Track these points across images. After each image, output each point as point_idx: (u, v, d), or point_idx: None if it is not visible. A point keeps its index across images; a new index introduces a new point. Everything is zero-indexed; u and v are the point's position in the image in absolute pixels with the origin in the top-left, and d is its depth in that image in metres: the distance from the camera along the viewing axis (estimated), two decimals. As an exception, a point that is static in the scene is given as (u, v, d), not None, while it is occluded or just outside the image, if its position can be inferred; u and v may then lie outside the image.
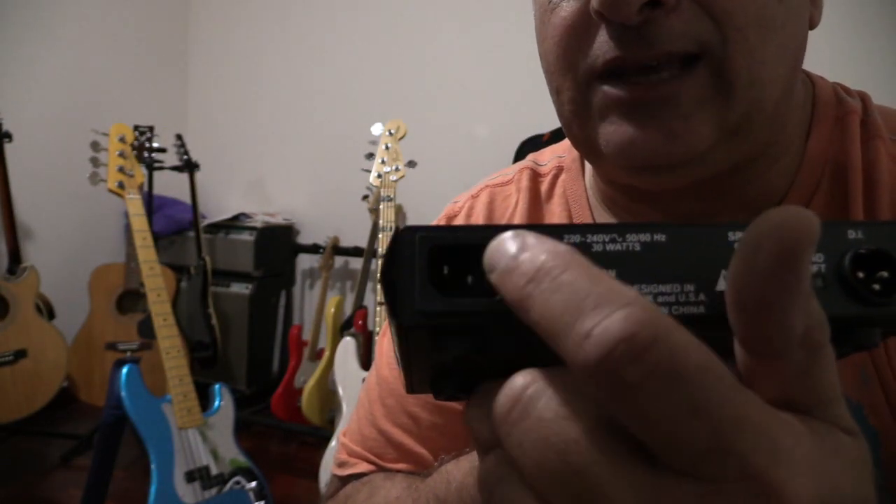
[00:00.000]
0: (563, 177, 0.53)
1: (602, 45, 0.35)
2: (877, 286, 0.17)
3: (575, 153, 0.53)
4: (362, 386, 0.59)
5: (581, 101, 0.38)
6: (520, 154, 2.41)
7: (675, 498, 0.15)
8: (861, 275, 0.17)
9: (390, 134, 1.94)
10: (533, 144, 2.39)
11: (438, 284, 0.17)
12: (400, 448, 0.53)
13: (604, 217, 0.49)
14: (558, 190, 0.53)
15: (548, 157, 0.56)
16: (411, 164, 1.95)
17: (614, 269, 0.17)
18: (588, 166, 0.52)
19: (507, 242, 0.16)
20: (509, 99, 2.58)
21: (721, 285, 0.17)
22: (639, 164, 0.37)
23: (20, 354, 2.09)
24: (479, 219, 0.55)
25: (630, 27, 0.33)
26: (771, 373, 0.16)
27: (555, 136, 2.34)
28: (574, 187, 0.52)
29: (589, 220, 0.49)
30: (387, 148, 1.94)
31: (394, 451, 0.53)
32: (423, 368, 0.19)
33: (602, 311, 0.14)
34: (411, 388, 0.21)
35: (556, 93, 0.40)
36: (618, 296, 0.14)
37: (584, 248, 0.17)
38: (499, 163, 2.57)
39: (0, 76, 2.50)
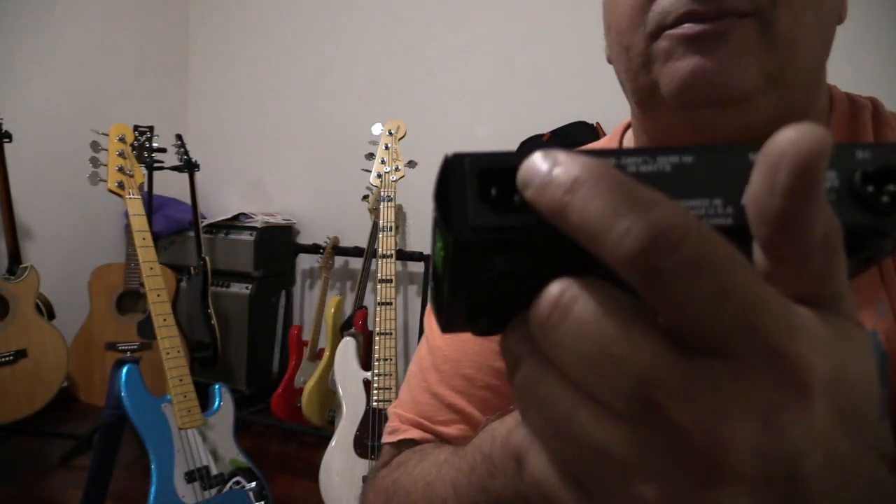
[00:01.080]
0: None
1: (674, 3, 0.41)
2: (885, 198, 0.19)
3: (615, 145, 0.57)
4: (412, 362, 0.62)
5: (647, 52, 0.43)
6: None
7: (708, 376, 0.16)
8: (871, 189, 0.19)
9: (390, 134, 1.94)
10: (533, 144, 2.39)
11: (488, 203, 0.18)
12: (452, 408, 0.56)
13: None
14: None
15: None
16: (411, 164, 1.95)
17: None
18: None
19: (539, 159, 0.18)
20: (509, 99, 2.58)
21: (745, 199, 0.18)
22: (695, 99, 0.42)
23: (20, 354, 2.09)
24: None
25: None
26: (791, 274, 0.18)
27: (554, 137, 2.34)
28: None
29: None
30: (387, 148, 1.94)
31: (447, 412, 0.56)
32: (462, 300, 0.21)
33: (637, 211, 0.16)
34: (448, 324, 0.22)
35: (625, 51, 0.45)
36: (651, 198, 0.16)
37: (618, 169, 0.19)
38: (499, 163, 2.57)
39: (0, 76, 2.50)
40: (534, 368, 0.19)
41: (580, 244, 0.17)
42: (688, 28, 0.41)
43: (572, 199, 0.17)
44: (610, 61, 0.50)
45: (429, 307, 0.60)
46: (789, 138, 0.16)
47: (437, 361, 0.58)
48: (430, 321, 0.61)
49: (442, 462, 0.48)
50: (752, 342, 0.16)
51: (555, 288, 0.18)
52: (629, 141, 0.57)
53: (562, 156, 0.17)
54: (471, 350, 0.56)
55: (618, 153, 0.19)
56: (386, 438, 0.59)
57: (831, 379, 0.17)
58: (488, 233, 0.18)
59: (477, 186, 0.18)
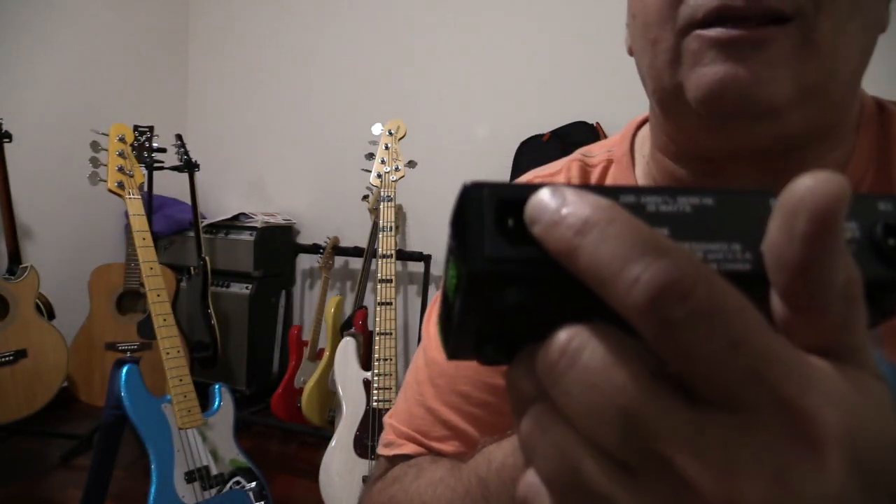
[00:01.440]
0: (612, 169, 0.55)
1: None
2: None
3: (625, 147, 0.55)
4: (409, 370, 0.61)
5: (676, 50, 0.40)
6: (519, 154, 2.41)
7: (717, 429, 0.16)
8: (892, 242, 0.18)
9: (390, 134, 1.94)
10: (533, 144, 2.39)
11: (505, 234, 0.18)
12: (447, 425, 0.55)
13: None
14: (608, 180, 0.55)
15: (597, 151, 0.58)
16: (411, 164, 1.95)
17: (667, 227, 0.18)
18: (639, 159, 0.54)
19: (547, 196, 0.17)
20: (509, 99, 2.58)
21: (764, 246, 0.18)
22: (723, 109, 0.39)
23: (20, 354, 2.09)
24: None
25: None
26: (809, 323, 0.17)
27: (554, 137, 2.34)
28: (624, 178, 0.54)
29: None
30: (387, 148, 1.94)
31: (441, 428, 0.55)
32: (470, 328, 0.21)
33: (647, 259, 0.15)
34: (454, 352, 0.22)
35: (652, 44, 0.42)
36: (661, 245, 0.16)
37: (638, 208, 0.18)
38: (499, 163, 2.57)
39: (0, 76, 2.50)
40: (543, 414, 0.19)
41: (589, 286, 0.17)
42: (721, 32, 0.38)
43: (582, 241, 0.16)
44: (631, 53, 0.47)
45: (428, 311, 0.60)
46: (807, 186, 0.16)
47: (433, 375, 0.57)
48: (429, 330, 0.60)
49: (437, 481, 0.48)
50: (762, 394, 0.16)
51: (563, 335, 0.18)
52: (643, 140, 0.54)
53: (570, 194, 0.17)
54: (466, 365, 0.54)
55: (637, 191, 0.19)
56: (381, 450, 0.59)
57: (845, 433, 0.16)
58: (503, 264, 0.18)
59: (494, 217, 0.18)
